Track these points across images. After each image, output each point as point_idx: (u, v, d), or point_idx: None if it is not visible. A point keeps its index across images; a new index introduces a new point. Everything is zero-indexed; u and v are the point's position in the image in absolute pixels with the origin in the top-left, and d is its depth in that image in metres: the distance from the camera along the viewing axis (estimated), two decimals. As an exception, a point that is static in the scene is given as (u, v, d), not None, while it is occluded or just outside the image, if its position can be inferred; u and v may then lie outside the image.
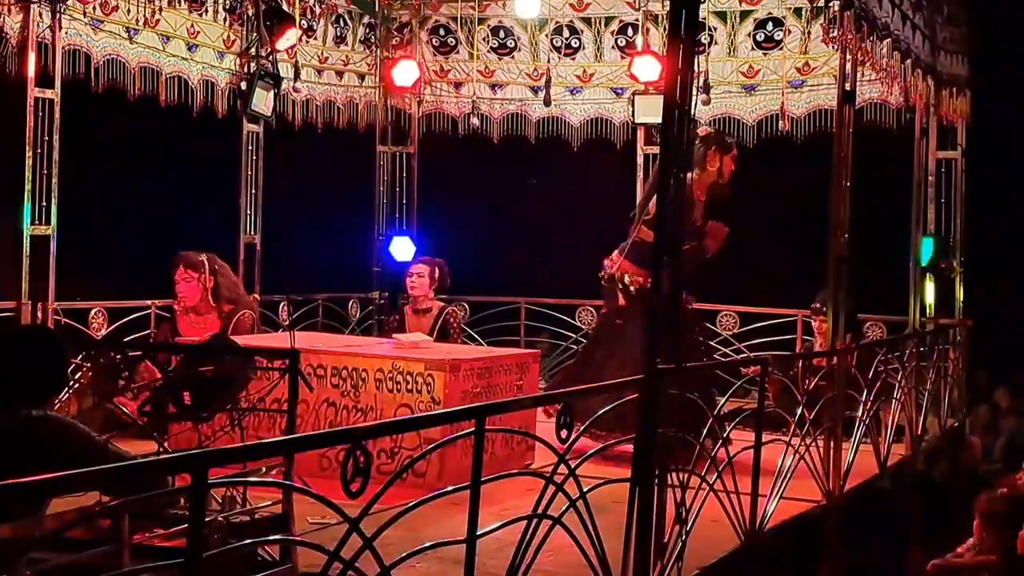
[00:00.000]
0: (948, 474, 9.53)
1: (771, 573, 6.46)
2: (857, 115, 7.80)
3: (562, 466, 4.39)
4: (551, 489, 4.35)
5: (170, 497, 4.04)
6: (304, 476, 5.19)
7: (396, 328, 8.94)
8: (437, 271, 9.03)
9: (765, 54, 10.61)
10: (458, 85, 11.60)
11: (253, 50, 9.59)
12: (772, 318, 10.55)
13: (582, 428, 4.61)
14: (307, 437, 3.88)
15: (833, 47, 7.17)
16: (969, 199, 10.11)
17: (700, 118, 9.83)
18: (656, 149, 10.58)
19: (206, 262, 8.44)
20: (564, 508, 4.43)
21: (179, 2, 9.12)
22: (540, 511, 4.31)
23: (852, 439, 7.20)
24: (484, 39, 11.42)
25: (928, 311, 9.53)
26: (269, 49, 9.37)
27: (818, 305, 9.01)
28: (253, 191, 10.17)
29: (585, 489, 4.53)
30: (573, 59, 11.27)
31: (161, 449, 5.27)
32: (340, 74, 11.14)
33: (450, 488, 4.03)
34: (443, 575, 4.88)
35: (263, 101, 9.53)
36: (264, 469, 4.90)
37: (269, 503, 4.87)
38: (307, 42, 10.43)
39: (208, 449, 3.38)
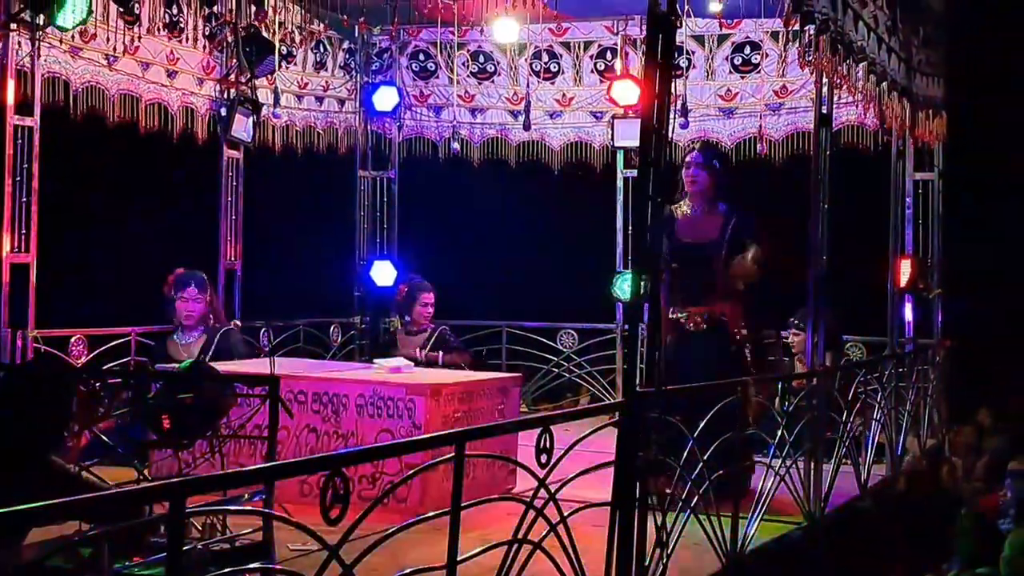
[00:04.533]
0: (929, 494, 9.54)
1: (753, 595, 6.46)
2: (834, 137, 7.84)
3: (543, 491, 4.41)
4: (532, 514, 4.36)
5: (149, 526, 4.04)
6: (285, 502, 5.19)
7: (384, 348, 9.01)
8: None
9: (743, 77, 10.68)
10: (438, 109, 11.64)
11: (233, 76, 9.60)
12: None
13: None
14: (287, 465, 3.88)
15: (809, 70, 7.21)
16: (946, 220, 10.17)
17: (678, 141, 9.88)
18: (636, 172, 10.64)
19: (207, 283, 8.62)
20: (544, 533, 4.44)
21: (158, 29, 9.14)
22: (520, 536, 4.32)
23: (832, 460, 7.22)
24: (464, 64, 11.46)
25: (906, 332, 9.57)
26: (248, 75, 9.39)
27: (795, 320, 9.14)
28: (233, 217, 10.17)
29: (566, 513, 4.54)
30: (553, 83, 11.31)
31: (141, 477, 5.27)
32: (320, 99, 11.16)
33: (430, 514, 4.03)
34: (424, 601, 4.87)
35: (243, 127, 9.54)
36: (245, 496, 4.90)
37: (250, 530, 4.87)
38: (287, 68, 10.44)
39: (187, 477, 3.38)
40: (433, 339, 9.11)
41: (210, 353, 8.34)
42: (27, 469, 4.14)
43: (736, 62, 10.66)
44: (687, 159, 7.61)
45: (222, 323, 8.81)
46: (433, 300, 9.21)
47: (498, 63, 11.41)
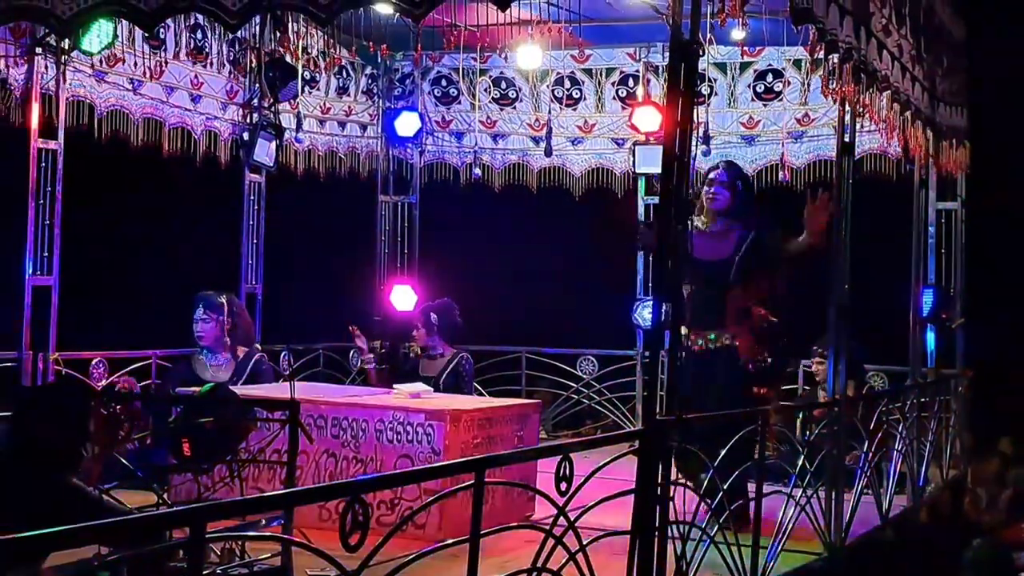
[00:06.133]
0: (951, 525, 9.48)
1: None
2: (857, 165, 7.82)
3: (562, 518, 4.39)
4: (551, 542, 4.34)
5: (168, 550, 4.03)
6: (304, 527, 5.18)
7: (408, 373, 9.00)
8: (433, 316, 9.10)
9: (765, 105, 10.68)
10: (460, 135, 11.66)
11: (256, 101, 9.64)
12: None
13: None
14: (306, 491, 3.88)
15: (832, 99, 7.20)
16: (969, 250, 10.12)
17: (700, 168, 9.87)
18: (657, 199, 10.63)
19: (226, 303, 8.59)
20: (564, 561, 4.42)
21: (183, 54, 9.19)
22: (539, 564, 4.30)
23: (853, 490, 7.17)
24: (486, 90, 11.49)
25: (929, 362, 9.52)
26: (271, 100, 9.43)
27: (818, 348, 9.10)
28: (255, 240, 10.20)
29: (585, 541, 4.52)
30: (574, 109, 11.33)
31: (160, 501, 5.27)
32: (342, 124, 11.20)
33: (449, 541, 4.02)
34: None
35: (265, 151, 9.57)
36: (264, 521, 4.89)
37: (268, 555, 4.86)
38: (310, 93, 10.49)
39: (206, 503, 3.38)
40: (450, 368, 9.08)
41: (244, 378, 8.35)
42: (46, 491, 4.14)
43: (758, 90, 10.66)
44: (711, 175, 7.59)
45: (250, 346, 8.79)
46: (421, 323, 9.12)
47: (520, 89, 11.43)
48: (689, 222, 7.47)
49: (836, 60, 6.61)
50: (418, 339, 9.10)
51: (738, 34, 8.61)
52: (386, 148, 11.59)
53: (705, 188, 7.53)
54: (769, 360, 7.35)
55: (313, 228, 11.79)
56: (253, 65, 9.49)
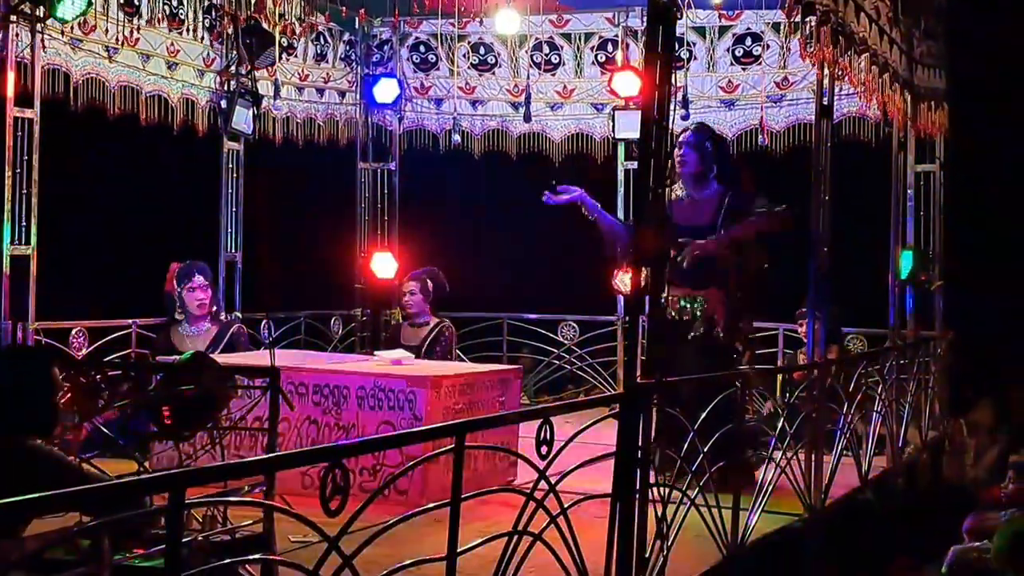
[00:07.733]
0: (930, 486, 9.55)
1: (754, 587, 6.47)
2: (835, 129, 7.85)
3: (543, 482, 4.40)
4: (532, 505, 4.36)
5: (149, 517, 4.03)
6: (286, 494, 5.18)
7: (389, 341, 9.06)
8: (429, 283, 9.15)
9: (744, 69, 10.67)
10: (439, 101, 11.63)
11: (233, 68, 9.59)
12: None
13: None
14: (287, 455, 3.88)
15: (811, 62, 7.20)
16: (948, 211, 10.15)
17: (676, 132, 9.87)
18: (637, 164, 10.62)
19: (210, 271, 8.65)
20: (545, 524, 4.44)
21: (159, 21, 9.12)
22: (521, 528, 4.31)
23: (833, 452, 7.22)
24: (464, 55, 11.45)
25: (908, 324, 9.56)
26: (249, 67, 9.38)
27: (804, 311, 9.10)
28: (234, 208, 10.16)
29: (566, 505, 4.54)
30: (553, 75, 11.31)
31: (141, 469, 5.27)
32: (321, 91, 11.15)
33: (430, 505, 4.03)
34: (424, 593, 4.87)
35: (243, 119, 9.54)
36: (246, 488, 4.89)
37: (250, 522, 4.86)
38: (287, 60, 10.44)
39: (186, 468, 3.38)
40: (432, 335, 9.12)
41: (221, 346, 8.35)
42: (21, 458, 4.11)
43: (737, 54, 10.66)
44: (679, 139, 7.58)
45: (225, 316, 8.82)
46: (416, 287, 9.19)
47: (499, 55, 11.40)
48: (669, 191, 7.52)
49: (814, 23, 6.61)
50: (411, 305, 9.13)
51: (717, -3, 8.60)
52: (365, 115, 11.55)
53: (675, 152, 7.49)
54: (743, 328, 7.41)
55: (292, 196, 11.74)
56: (229, 32, 9.44)
